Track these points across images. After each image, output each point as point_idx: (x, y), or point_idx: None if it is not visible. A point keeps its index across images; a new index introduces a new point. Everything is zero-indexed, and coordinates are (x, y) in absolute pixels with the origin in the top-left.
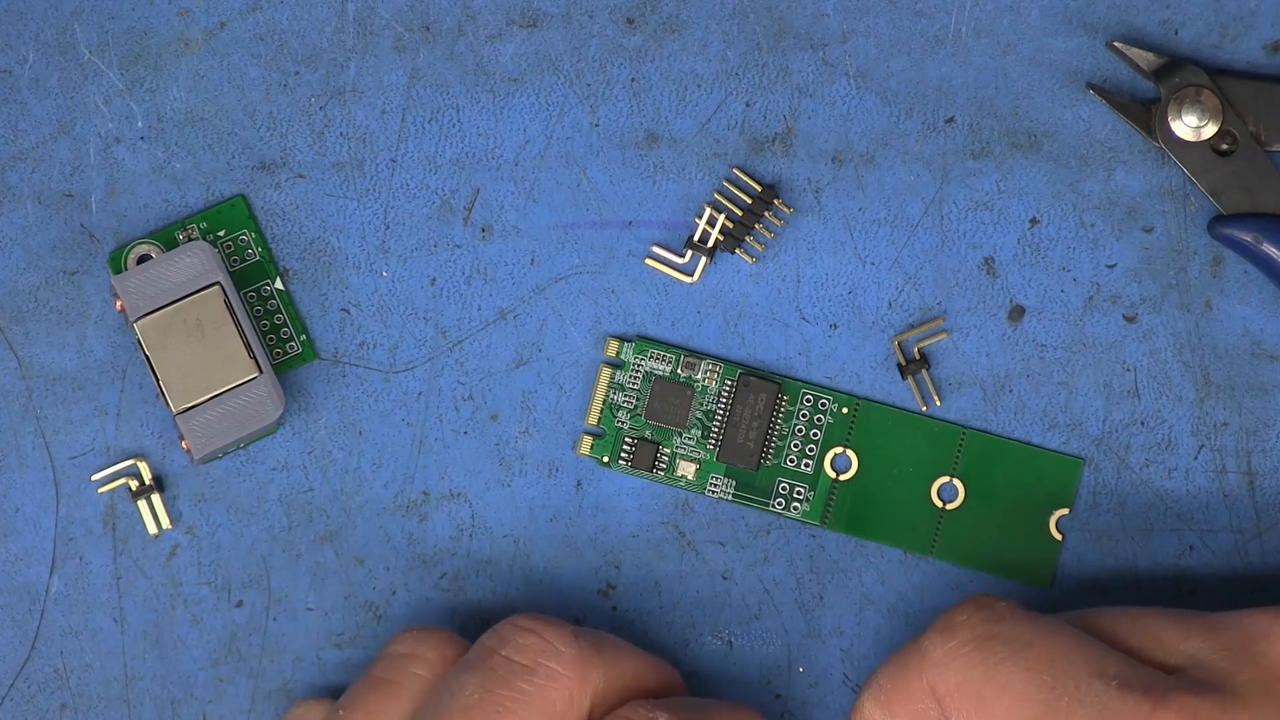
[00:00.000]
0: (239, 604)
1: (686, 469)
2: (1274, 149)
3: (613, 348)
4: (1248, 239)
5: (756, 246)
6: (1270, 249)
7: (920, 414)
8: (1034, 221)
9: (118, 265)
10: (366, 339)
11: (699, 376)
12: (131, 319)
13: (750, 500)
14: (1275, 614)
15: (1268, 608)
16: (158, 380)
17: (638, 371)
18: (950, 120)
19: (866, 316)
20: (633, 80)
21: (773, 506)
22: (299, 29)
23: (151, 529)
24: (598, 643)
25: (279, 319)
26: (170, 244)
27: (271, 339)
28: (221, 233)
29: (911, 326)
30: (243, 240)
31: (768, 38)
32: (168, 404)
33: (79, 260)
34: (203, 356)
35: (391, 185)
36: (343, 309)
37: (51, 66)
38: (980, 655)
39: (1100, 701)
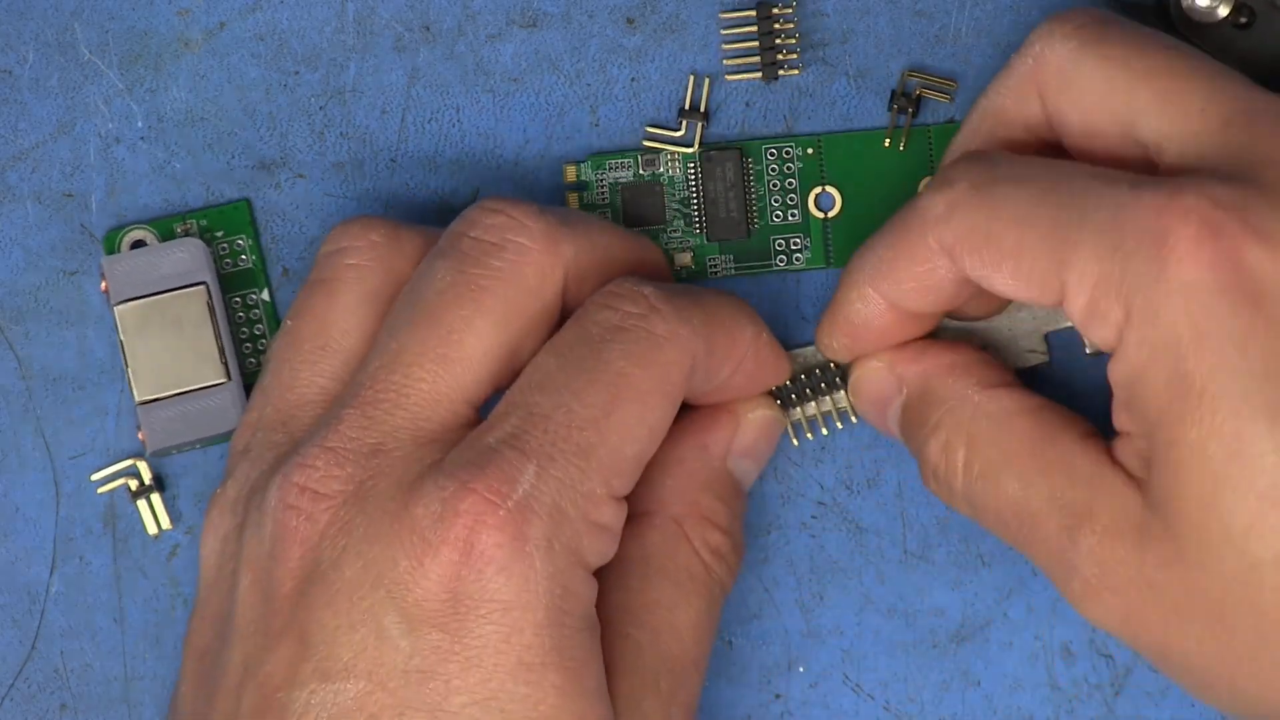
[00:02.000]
0: None
1: (684, 259)
2: None
3: (570, 172)
4: None
5: None
6: None
7: (880, 129)
8: None
9: (111, 246)
10: None
11: (662, 170)
12: (113, 302)
13: (752, 268)
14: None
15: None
16: (127, 367)
17: (602, 185)
18: (950, 121)
19: None
20: (633, 80)
21: (776, 265)
22: (299, 29)
23: (151, 529)
24: (566, 217)
25: (259, 329)
26: (168, 234)
27: (248, 347)
28: (220, 233)
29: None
30: (239, 245)
31: None
32: (132, 392)
33: (79, 260)
34: (175, 352)
35: (391, 185)
36: None
37: (51, 66)
38: (983, 197)
39: (1114, 204)
